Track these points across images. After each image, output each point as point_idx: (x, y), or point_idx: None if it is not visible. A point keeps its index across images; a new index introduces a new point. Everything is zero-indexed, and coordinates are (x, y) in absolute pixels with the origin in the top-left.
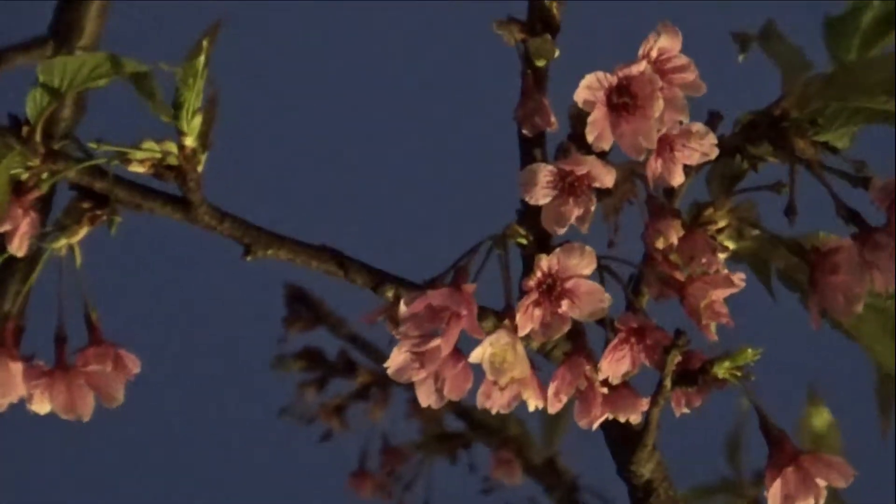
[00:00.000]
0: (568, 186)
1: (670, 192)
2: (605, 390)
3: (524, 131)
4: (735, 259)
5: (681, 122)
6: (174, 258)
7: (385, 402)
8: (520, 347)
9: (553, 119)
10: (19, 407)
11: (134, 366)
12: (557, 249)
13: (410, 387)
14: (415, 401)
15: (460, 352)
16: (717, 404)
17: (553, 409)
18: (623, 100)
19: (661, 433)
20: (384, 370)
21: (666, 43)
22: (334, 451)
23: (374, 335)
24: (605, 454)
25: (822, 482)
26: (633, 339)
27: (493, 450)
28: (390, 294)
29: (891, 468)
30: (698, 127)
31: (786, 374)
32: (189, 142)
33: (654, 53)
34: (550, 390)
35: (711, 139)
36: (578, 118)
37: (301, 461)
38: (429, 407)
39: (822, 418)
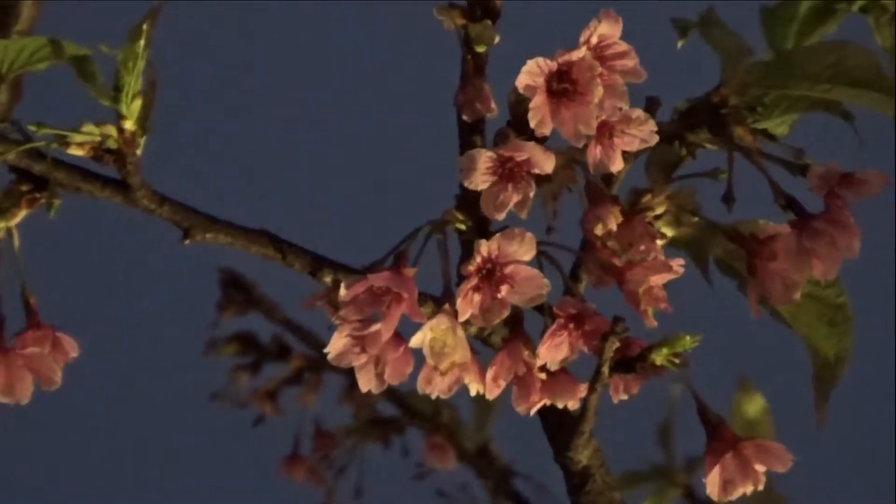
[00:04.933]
0: (507, 172)
1: (609, 178)
2: (543, 376)
3: (464, 117)
4: (673, 246)
5: (620, 109)
6: (111, 242)
7: (318, 387)
8: (460, 332)
9: (493, 105)
10: None
11: (72, 349)
12: (497, 235)
13: (343, 372)
14: (347, 386)
15: (401, 336)
16: (652, 391)
17: (491, 394)
18: (563, 86)
19: (598, 420)
20: (317, 355)
21: (606, 30)
22: (267, 435)
23: (307, 320)
24: (539, 441)
25: (761, 468)
26: (571, 325)
27: (426, 435)
28: (329, 279)
29: (825, 456)
30: (638, 113)
31: (722, 362)
32: (129, 125)
33: (594, 40)
34: (489, 375)
35: (651, 126)
36: (518, 104)
37: (233, 446)
38: (361, 392)
39: (754, 405)
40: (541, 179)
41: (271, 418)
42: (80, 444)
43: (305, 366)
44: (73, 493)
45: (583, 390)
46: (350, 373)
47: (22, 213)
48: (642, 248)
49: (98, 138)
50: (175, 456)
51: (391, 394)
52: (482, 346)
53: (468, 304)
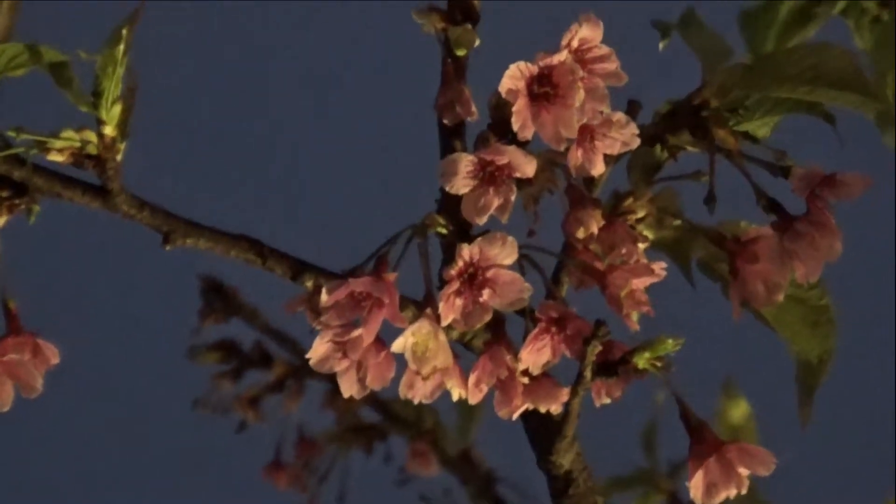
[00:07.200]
0: (488, 176)
1: (590, 181)
2: (525, 380)
3: (444, 121)
4: (655, 248)
5: (602, 112)
6: (93, 249)
7: (300, 394)
8: (442, 336)
9: (473, 108)
10: None
11: (53, 356)
12: (479, 238)
13: (326, 378)
14: (330, 392)
15: (382, 341)
16: (636, 397)
17: (474, 399)
18: (544, 89)
19: (580, 424)
20: (299, 361)
21: (587, 33)
22: (249, 442)
23: (289, 326)
24: (522, 447)
25: (744, 471)
26: (553, 329)
27: (409, 441)
28: (310, 283)
29: (811, 459)
30: (619, 116)
31: (705, 365)
32: (108, 130)
33: (575, 43)
34: (471, 380)
35: (632, 128)
36: (498, 108)
37: (216, 453)
38: (344, 399)
39: (739, 410)
40: (522, 183)
41: (254, 425)
42: (61, 451)
43: (287, 372)
44: (53, 498)
45: (565, 394)
46: (332, 379)
47: (2, 220)
48: (624, 251)
49: (77, 144)
50: (158, 463)
51: (374, 400)
52: (464, 350)
53: (450, 308)
